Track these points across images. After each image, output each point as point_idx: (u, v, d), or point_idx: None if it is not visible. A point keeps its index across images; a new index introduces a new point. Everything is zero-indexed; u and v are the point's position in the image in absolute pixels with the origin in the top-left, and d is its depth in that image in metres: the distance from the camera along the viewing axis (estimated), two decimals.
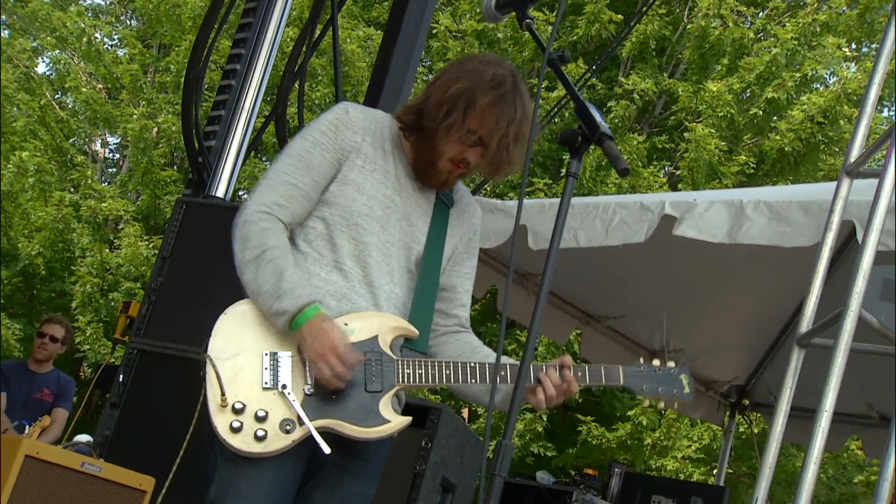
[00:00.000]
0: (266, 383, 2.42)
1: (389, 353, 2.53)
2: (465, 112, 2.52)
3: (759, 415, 7.62)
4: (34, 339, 7.11)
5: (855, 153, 3.42)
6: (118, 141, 17.73)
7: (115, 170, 18.18)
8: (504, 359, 2.54)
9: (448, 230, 2.73)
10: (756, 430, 8.16)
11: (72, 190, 15.41)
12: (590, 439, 12.44)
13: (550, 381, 2.55)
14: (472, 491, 5.09)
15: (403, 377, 2.50)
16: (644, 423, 12.09)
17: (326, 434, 2.42)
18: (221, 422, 2.38)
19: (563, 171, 12.86)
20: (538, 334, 2.02)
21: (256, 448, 2.38)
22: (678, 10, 14.46)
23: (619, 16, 13.39)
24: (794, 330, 3.48)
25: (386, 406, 2.48)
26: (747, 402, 7.33)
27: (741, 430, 11.13)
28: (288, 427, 2.40)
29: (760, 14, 14.33)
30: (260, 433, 2.38)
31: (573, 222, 4.88)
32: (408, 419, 2.52)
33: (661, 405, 2.71)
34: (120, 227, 14.51)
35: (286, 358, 2.46)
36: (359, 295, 2.56)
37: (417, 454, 4.60)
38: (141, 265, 13.35)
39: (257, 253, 2.48)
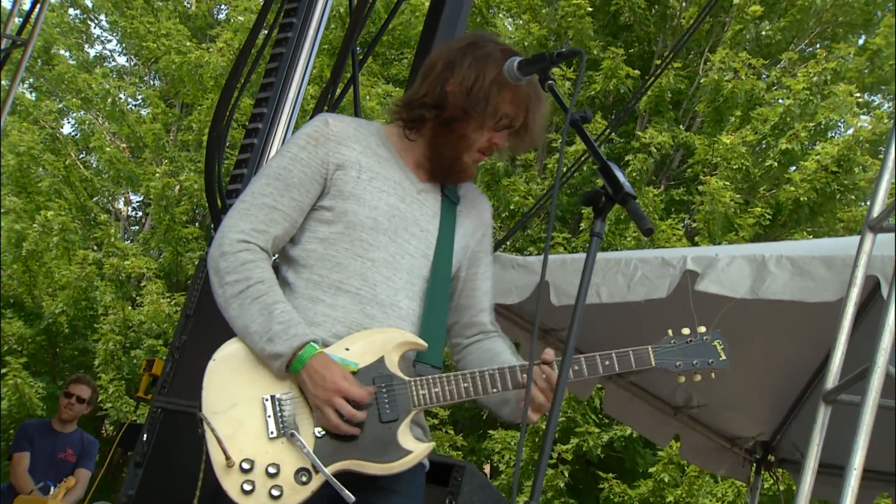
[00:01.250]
0: (272, 433, 2.24)
1: (399, 374, 2.33)
2: (500, 97, 2.37)
3: (784, 471, 7.52)
4: (60, 399, 7.14)
5: (878, 208, 3.42)
6: (141, 199, 17.93)
7: (137, 227, 18.35)
8: (512, 361, 2.41)
9: (457, 229, 2.54)
10: (782, 488, 8.05)
11: (95, 248, 15.55)
12: (612, 496, 12.29)
13: (537, 387, 2.34)
14: None
15: (419, 399, 2.30)
16: (666, 479, 11.95)
17: (347, 475, 2.24)
18: (231, 485, 2.20)
19: (582, 225, 13.00)
20: (564, 390, 2.00)
21: None
22: (694, 64, 14.57)
23: (637, 71, 13.51)
24: (818, 385, 3.46)
25: (405, 435, 2.29)
26: (773, 459, 7.23)
27: (766, 486, 10.96)
28: (304, 478, 2.21)
29: (773, 67, 14.42)
30: (275, 492, 2.20)
31: (595, 278, 4.87)
32: (431, 444, 2.34)
33: (698, 378, 2.49)
34: (142, 284, 14.61)
35: (288, 400, 2.26)
36: (369, 317, 2.35)
37: None
38: (163, 322, 13.41)
39: (240, 288, 2.29)
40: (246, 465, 2.21)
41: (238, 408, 2.26)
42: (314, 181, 2.40)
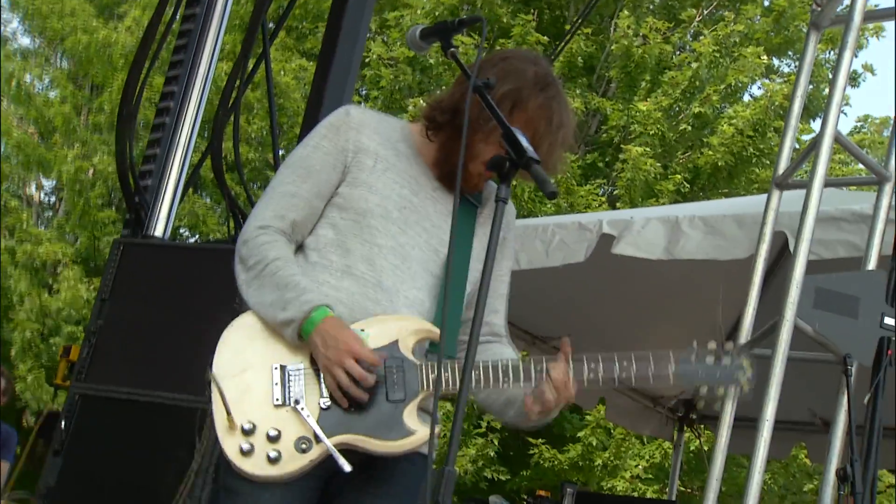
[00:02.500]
0: (277, 400, 2.24)
1: (412, 357, 2.31)
2: (510, 114, 2.32)
3: (707, 428, 7.71)
4: None
5: (783, 165, 3.51)
6: (53, 184, 17.50)
7: (51, 213, 17.93)
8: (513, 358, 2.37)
9: (477, 231, 2.52)
10: (706, 447, 8.25)
11: (7, 235, 15.15)
12: (542, 462, 12.46)
13: (552, 384, 2.28)
14: None
15: (429, 383, 2.29)
16: (594, 443, 12.14)
17: (347, 452, 2.22)
18: (230, 445, 2.20)
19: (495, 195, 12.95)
20: (474, 357, 2.00)
21: (271, 471, 2.20)
22: (605, 30, 14.71)
23: (546, 38, 13.59)
24: (736, 341, 3.54)
25: (411, 416, 2.26)
26: (694, 416, 7.40)
27: (692, 447, 11.23)
28: (304, 446, 2.21)
29: (678, 28, 14.61)
30: (272, 454, 2.19)
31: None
32: (436, 429, 2.23)
33: (721, 391, 2.37)
34: (59, 270, 14.29)
35: (297, 370, 2.27)
36: (373, 301, 2.35)
37: None
38: (82, 308, 13.16)
39: (259, 270, 2.32)
40: (247, 427, 2.22)
41: (247, 373, 2.27)
42: (334, 168, 2.42)
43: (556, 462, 12.43)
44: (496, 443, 12.24)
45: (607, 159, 14.15)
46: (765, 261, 3.43)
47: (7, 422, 7.51)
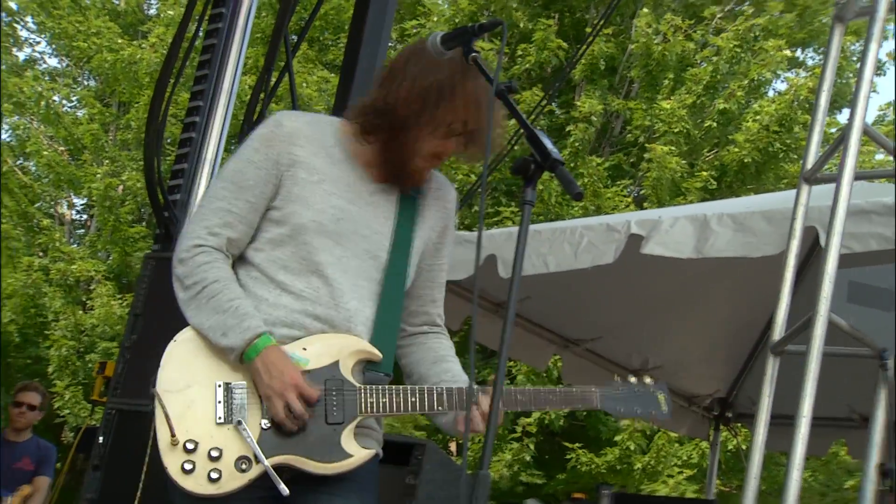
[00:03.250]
0: (220, 418, 2.26)
1: (351, 379, 2.35)
2: (441, 104, 2.34)
3: (743, 426, 7.65)
4: (10, 409, 7.03)
5: (811, 160, 3.48)
6: (84, 201, 17.67)
7: (83, 231, 18.10)
8: (459, 378, 2.45)
9: (418, 223, 2.53)
10: (744, 445, 8.18)
11: (40, 254, 15.33)
12: (579, 466, 12.41)
13: (478, 411, 2.38)
14: None
15: (367, 406, 2.34)
16: (632, 447, 12.07)
17: (287, 469, 2.28)
18: (172, 462, 2.23)
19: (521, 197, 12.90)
20: (506, 362, 2.01)
21: (211, 490, 2.22)
22: (625, 31, 14.67)
23: (566, 44, 13.59)
24: (769, 338, 3.51)
25: (348, 439, 2.32)
26: (731, 414, 7.34)
27: (729, 446, 11.14)
28: (244, 466, 2.24)
29: (699, 25, 14.54)
30: (214, 475, 2.22)
31: (542, 248, 4.90)
32: (372, 452, 2.36)
33: (639, 425, 2.68)
34: (92, 287, 14.42)
35: (240, 389, 2.29)
36: (312, 317, 2.37)
37: (404, 491, 4.58)
38: (115, 324, 13.27)
39: (196, 291, 2.34)
40: (190, 446, 2.24)
41: (191, 390, 2.29)
42: (267, 182, 2.41)
43: (592, 466, 12.38)
44: (532, 447, 12.21)
45: (633, 160, 14.10)
46: (796, 256, 3.40)
47: (46, 438, 7.58)
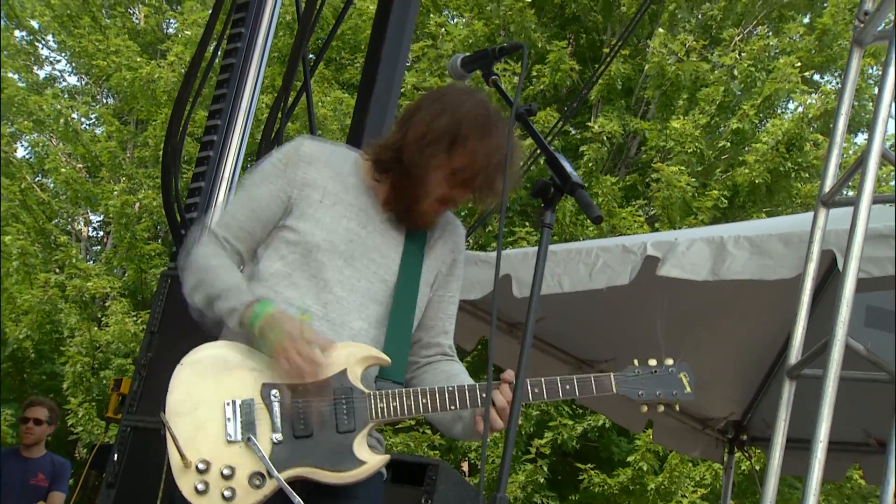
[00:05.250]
0: (230, 436, 2.29)
1: (360, 387, 2.37)
2: (451, 148, 2.38)
3: (758, 449, 7.59)
4: (20, 426, 7.06)
5: (829, 183, 3.47)
6: (101, 218, 17.76)
7: (99, 247, 18.18)
8: (470, 382, 2.44)
9: (427, 255, 2.57)
10: (757, 466, 8.13)
11: (57, 270, 15.39)
12: (591, 487, 12.35)
13: (494, 408, 2.37)
14: None
15: (377, 412, 2.35)
16: (644, 467, 12.01)
17: (303, 482, 2.28)
18: (186, 484, 2.25)
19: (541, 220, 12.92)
20: (525, 381, 2.01)
21: None
22: (642, 52, 14.70)
23: (578, 65, 13.64)
24: (784, 362, 3.50)
25: (360, 446, 2.33)
26: (745, 437, 7.30)
27: (742, 467, 11.07)
28: (257, 482, 2.26)
29: (716, 47, 14.56)
30: (227, 493, 2.24)
31: (557, 268, 4.90)
32: (386, 457, 2.37)
33: (661, 409, 2.52)
34: (107, 304, 14.48)
35: (249, 406, 2.32)
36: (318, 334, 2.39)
37: None
38: (130, 341, 13.30)
39: (202, 274, 2.42)
40: (202, 466, 2.26)
41: (200, 411, 2.32)
42: (277, 199, 2.48)
43: (605, 487, 12.31)
44: (545, 468, 12.16)
45: (647, 180, 14.11)
46: (813, 280, 3.39)
47: (60, 454, 7.60)
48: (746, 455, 7.64)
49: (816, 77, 14.95)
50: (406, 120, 2.48)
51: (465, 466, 13.10)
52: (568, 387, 2.44)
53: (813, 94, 13.70)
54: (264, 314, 2.31)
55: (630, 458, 12.24)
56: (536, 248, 2.12)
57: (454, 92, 2.47)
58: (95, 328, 14.20)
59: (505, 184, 2.29)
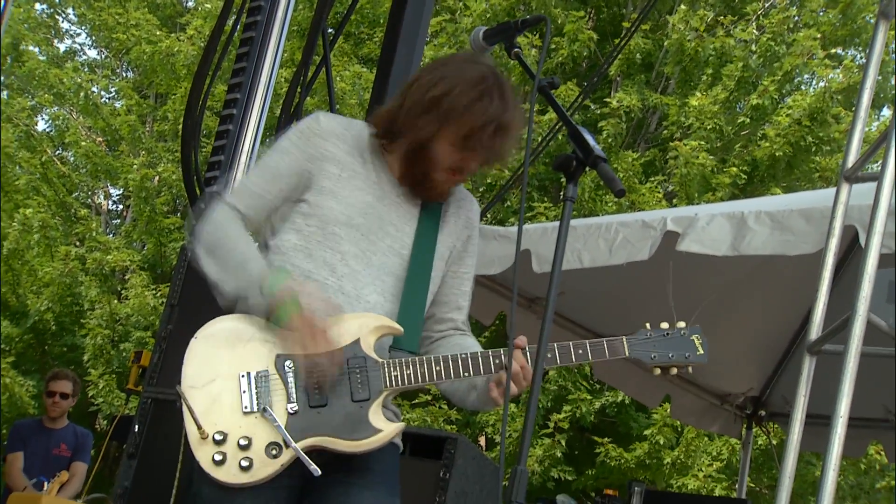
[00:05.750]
0: (246, 407, 2.30)
1: (374, 356, 2.37)
2: (447, 116, 2.38)
3: (776, 425, 7.59)
4: (44, 399, 7.13)
5: (852, 158, 3.44)
6: (120, 192, 17.84)
7: (118, 221, 18.27)
8: (479, 349, 2.44)
9: (441, 229, 2.58)
10: (775, 442, 8.12)
11: (77, 244, 15.48)
12: (608, 461, 12.38)
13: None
14: None
15: (391, 380, 2.35)
16: (661, 441, 12.02)
17: (319, 453, 2.30)
18: (203, 455, 2.27)
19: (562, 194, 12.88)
20: (545, 356, 2.01)
21: (244, 478, 2.27)
22: (663, 26, 14.57)
23: (597, 35, 13.52)
24: (804, 338, 3.48)
25: (376, 414, 2.34)
26: (763, 413, 7.29)
27: (759, 442, 11.06)
28: (274, 451, 2.28)
29: (741, 22, 14.40)
30: (244, 463, 2.26)
31: (576, 243, 4.89)
32: (401, 425, 2.37)
33: (674, 371, 2.51)
34: (127, 277, 14.56)
35: (264, 377, 2.33)
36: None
37: (436, 485, 4.59)
38: (149, 314, 13.38)
39: (214, 240, 2.42)
40: (219, 437, 2.28)
41: (216, 383, 2.33)
42: (297, 173, 2.48)
43: (622, 461, 12.33)
44: (563, 443, 12.18)
45: (667, 157, 14.04)
46: (834, 255, 3.37)
47: (81, 425, 7.67)
48: (765, 431, 7.64)
49: (840, 52, 14.77)
50: (405, 88, 2.49)
51: (482, 441, 13.15)
52: (581, 351, 2.42)
53: (836, 70, 13.56)
54: (279, 284, 2.32)
55: (647, 433, 12.26)
56: (555, 224, 2.12)
57: (455, 61, 2.48)
58: (115, 301, 14.29)
59: (526, 158, 2.28)
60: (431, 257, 2.54)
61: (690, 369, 2.49)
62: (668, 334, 2.51)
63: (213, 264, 2.41)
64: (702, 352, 2.50)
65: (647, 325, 2.53)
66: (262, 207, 2.50)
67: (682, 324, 2.53)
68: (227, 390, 2.32)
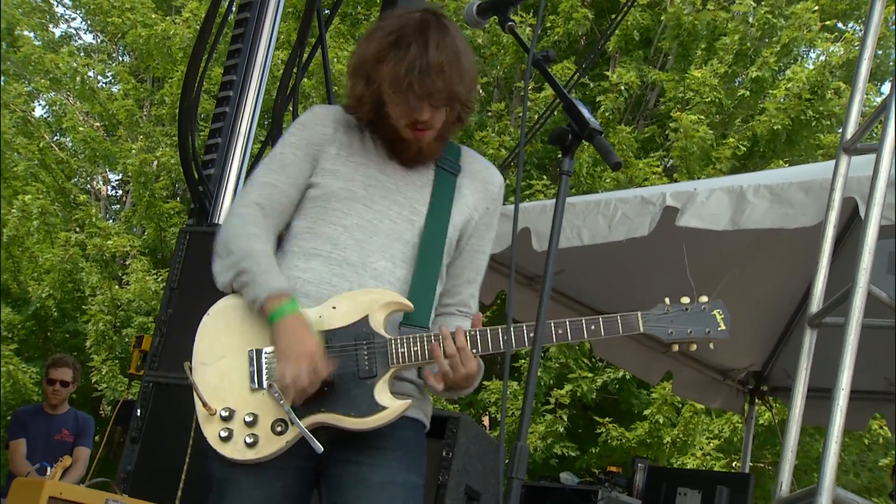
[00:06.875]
0: (254, 385, 2.32)
1: (382, 332, 2.35)
2: (370, 71, 2.37)
3: (778, 400, 7.60)
4: (45, 386, 7.13)
5: (851, 130, 3.43)
6: (119, 177, 17.81)
7: (118, 206, 18.25)
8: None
9: (456, 198, 2.53)
10: (778, 418, 8.13)
11: (77, 230, 15.47)
12: (610, 440, 12.40)
13: (444, 352, 2.32)
14: (497, 496, 5.08)
15: (398, 357, 2.33)
16: (661, 420, 12.03)
17: (326, 429, 2.30)
18: (210, 432, 2.31)
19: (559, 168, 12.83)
20: (543, 335, 2.00)
21: (249, 455, 2.29)
22: (660, 2, 14.48)
23: (591, 13, 13.46)
24: (805, 311, 3.48)
25: (382, 391, 2.32)
26: (765, 388, 7.30)
27: (761, 420, 11.07)
28: (279, 428, 2.29)
29: None
30: (249, 439, 2.28)
31: (576, 220, 4.88)
32: (406, 402, 2.34)
33: (694, 347, 2.41)
34: (127, 262, 14.56)
35: (272, 354, 2.33)
36: (339, 277, 2.39)
37: (439, 464, 4.61)
38: (151, 299, 13.38)
39: (235, 260, 2.38)
40: (225, 414, 2.30)
41: (226, 360, 2.35)
42: (305, 161, 2.49)
43: (623, 440, 12.36)
44: (565, 419, 12.20)
45: (666, 132, 13.99)
46: (834, 228, 3.36)
47: (84, 411, 7.68)
48: (767, 405, 7.65)
49: (840, 26, 14.69)
50: (358, 70, 2.47)
51: (485, 420, 13.17)
52: (593, 327, 2.36)
53: (832, 39, 13.49)
54: (286, 316, 2.31)
55: (647, 412, 12.28)
56: (554, 201, 2.10)
57: (384, 19, 2.47)
58: (116, 287, 14.29)
59: (522, 136, 2.26)
60: (446, 226, 2.50)
61: (712, 345, 2.40)
62: (687, 309, 2.42)
63: (226, 281, 2.42)
64: (724, 327, 2.40)
65: (667, 300, 2.44)
66: (275, 197, 2.48)
67: (704, 298, 2.44)
68: (236, 367, 2.34)
